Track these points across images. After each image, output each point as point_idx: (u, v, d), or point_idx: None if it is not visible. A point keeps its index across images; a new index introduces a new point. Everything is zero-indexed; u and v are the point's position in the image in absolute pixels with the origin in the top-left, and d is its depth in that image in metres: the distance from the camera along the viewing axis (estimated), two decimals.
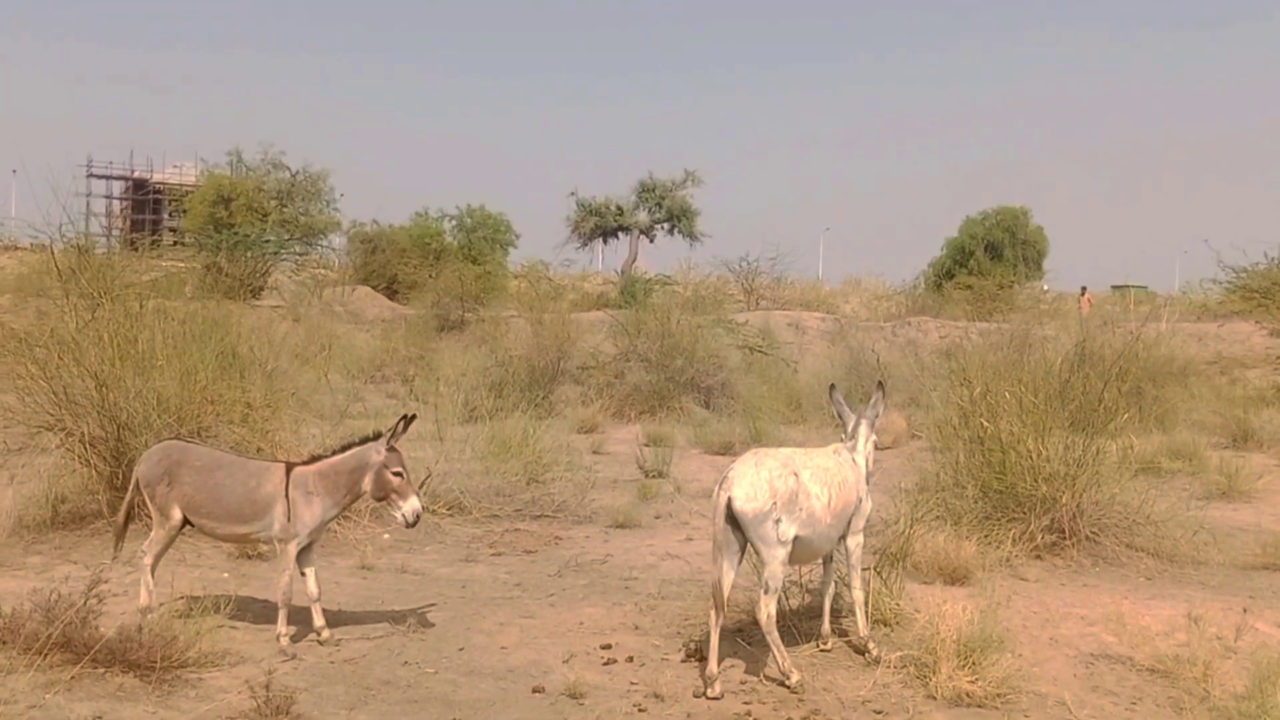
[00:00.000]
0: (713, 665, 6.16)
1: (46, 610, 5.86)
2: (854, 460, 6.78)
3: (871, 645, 6.71)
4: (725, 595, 6.20)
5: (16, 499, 8.79)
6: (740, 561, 6.31)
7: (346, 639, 6.86)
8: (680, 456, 14.04)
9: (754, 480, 6.13)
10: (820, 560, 6.93)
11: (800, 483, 6.22)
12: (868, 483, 6.89)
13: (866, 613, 6.79)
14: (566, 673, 6.41)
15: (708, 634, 6.26)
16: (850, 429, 6.96)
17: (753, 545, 6.19)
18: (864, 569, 6.91)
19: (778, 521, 6.11)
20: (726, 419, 17.00)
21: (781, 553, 6.15)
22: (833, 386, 7.46)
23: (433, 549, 9.39)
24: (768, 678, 6.39)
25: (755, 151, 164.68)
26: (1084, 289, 40.07)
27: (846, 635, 6.98)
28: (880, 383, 7.53)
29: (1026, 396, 9.48)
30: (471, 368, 18.67)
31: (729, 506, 6.12)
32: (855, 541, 6.70)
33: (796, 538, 6.18)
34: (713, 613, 6.21)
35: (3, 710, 5.13)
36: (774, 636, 6.21)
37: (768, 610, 6.18)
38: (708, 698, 6.10)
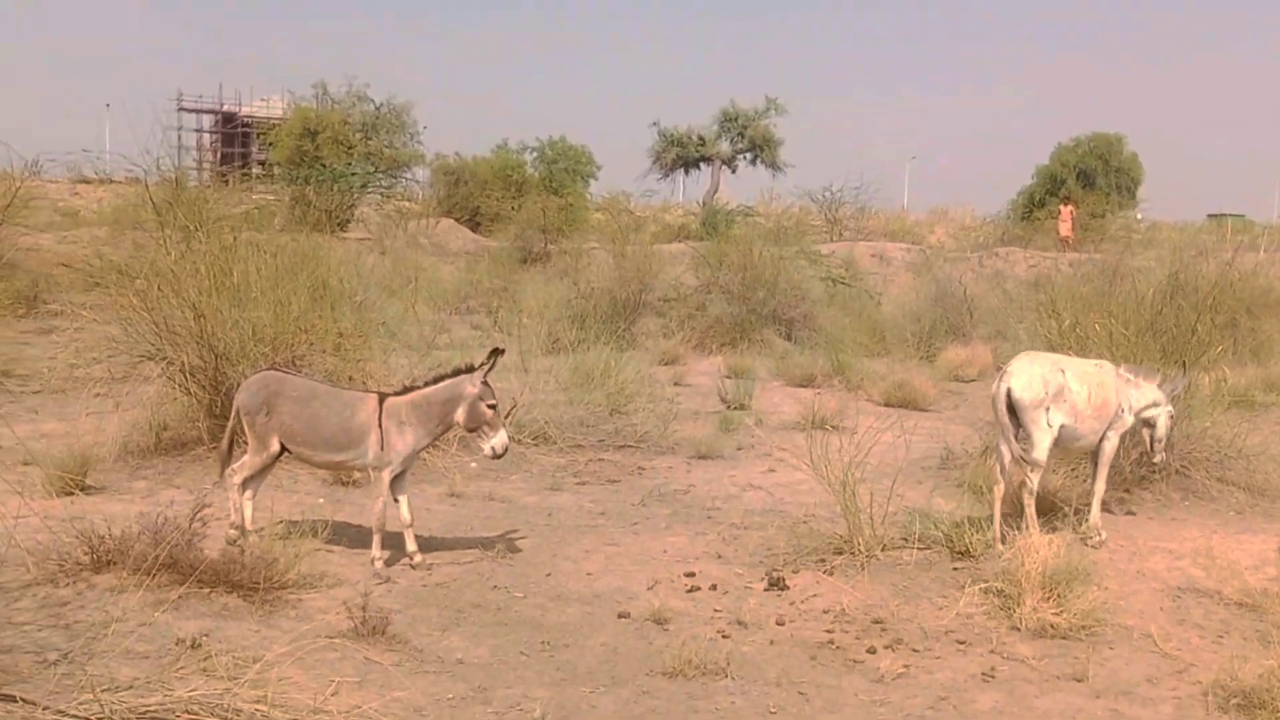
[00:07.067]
0: (997, 530, 7.37)
1: (154, 532, 6.11)
2: (1124, 377, 7.78)
3: (1100, 534, 7.68)
4: (1004, 468, 7.50)
5: (121, 426, 9.09)
6: (1017, 441, 7.40)
7: (438, 564, 7.07)
8: (762, 389, 14.06)
9: (1029, 374, 7.42)
10: (1090, 455, 7.96)
11: (1066, 379, 7.43)
12: (1160, 444, 8.01)
13: (1098, 506, 7.87)
14: (651, 599, 6.54)
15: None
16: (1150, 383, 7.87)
17: (1025, 428, 7.42)
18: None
19: (1047, 410, 7.36)
20: (808, 351, 16.89)
21: (1048, 436, 7.38)
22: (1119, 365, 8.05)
23: (519, 477, 9.57)
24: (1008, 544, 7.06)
25: (839, 78, 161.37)
26: (1066, 198, 34.75)
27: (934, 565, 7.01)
28: (1184, 364, 8.60)
29: (1116, 329, 9.32)
30: (554, 300, 18.76)
31: (1009, 396, 7.36)
32: (1110, 444, 7.77)
33: (1062, 425, 7.41)
34: (995, 487, 7.57)
35: (115, 627, 5.36)
36: (1031, 507, 7.40)
37: (1032, 483, 7.41)
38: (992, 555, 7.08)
